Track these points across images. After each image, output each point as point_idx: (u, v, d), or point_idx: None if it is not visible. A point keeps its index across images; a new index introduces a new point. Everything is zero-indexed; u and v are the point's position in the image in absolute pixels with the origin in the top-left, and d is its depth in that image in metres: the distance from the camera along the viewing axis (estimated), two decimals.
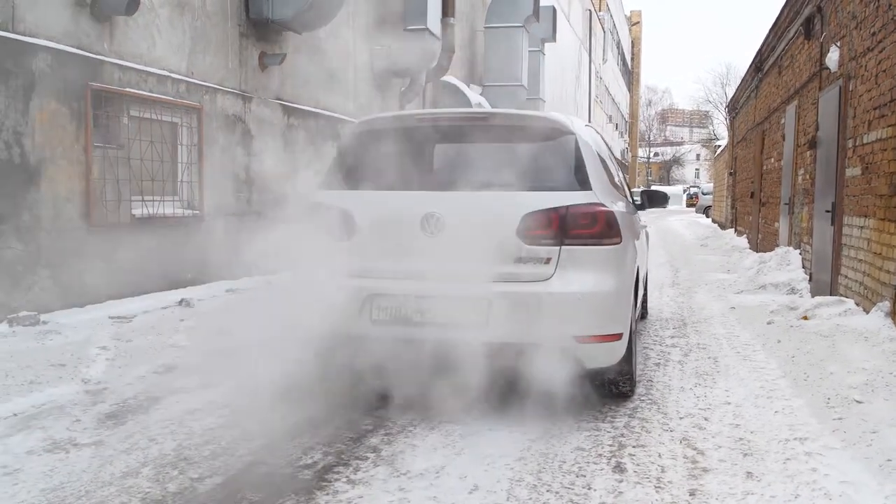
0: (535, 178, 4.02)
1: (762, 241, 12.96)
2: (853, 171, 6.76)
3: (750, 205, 14.86)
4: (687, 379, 4.74)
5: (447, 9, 14.15)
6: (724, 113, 74.61)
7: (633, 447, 3.51)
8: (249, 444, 3.53)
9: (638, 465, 3.30)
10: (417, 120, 4.29)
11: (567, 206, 3.88)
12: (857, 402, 4.00)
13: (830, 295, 7.06)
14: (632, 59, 68.18)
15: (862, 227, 6.44)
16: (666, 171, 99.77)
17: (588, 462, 3.33)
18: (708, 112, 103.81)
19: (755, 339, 5.88)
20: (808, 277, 8.48)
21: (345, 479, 3.14)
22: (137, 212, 7.11)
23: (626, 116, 67.20)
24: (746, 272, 9.77)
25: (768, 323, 6.38)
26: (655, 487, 3.05)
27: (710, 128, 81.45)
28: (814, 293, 7.79)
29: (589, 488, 3.05)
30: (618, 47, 56.27)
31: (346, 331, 3.98)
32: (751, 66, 14.78)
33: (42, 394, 4.21)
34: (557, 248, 3.84)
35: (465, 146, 4.24)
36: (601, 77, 46.81)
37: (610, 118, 53.53)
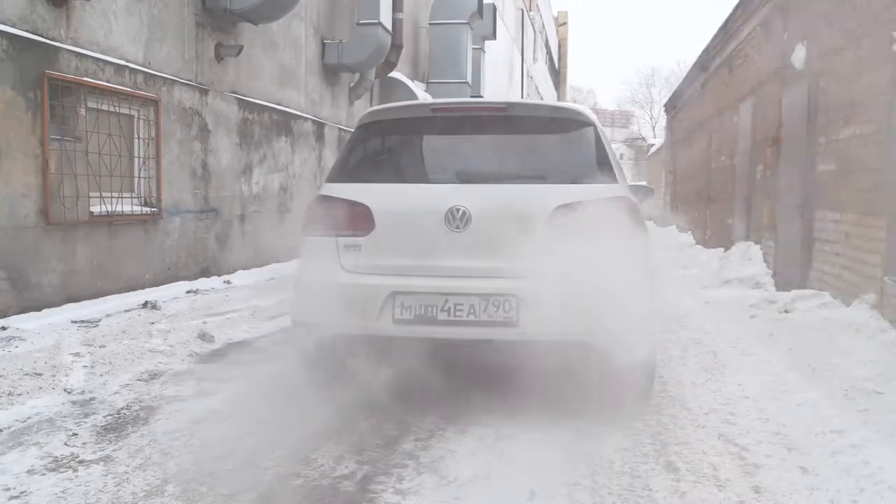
0: (562, 170, 3.89)
1: (710, 238, 13.21)
2: (827, 167, 6.89)
3: (695, 202, 15.14)
4: (696, 374, 4.70)
5: (396, 3, 13.94)
6: (650, 112, 76.72)
7: (676, 445, 3.42)
8: (272, 455, 3.28)
9: (688, 462, 3.20)
10: (432, 110, 4.09)
11: (598, 200, 3.76)
12: (878, 392, 4.01)
13: (799, 289, 7.17)
14: (559, 59, 69.02)
15: (838, 222, 6.56)
16: None
17: (637, 462, 3.22)
18: (631, 112, 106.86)
19: (745, 333, 5.90)
20: (771, 272, 8.63)
21: (392, 490, 2.93)
22: (96, 209, 6.69)
23: None
24: (706, 267, 9.91)
25: (751, 317, 6.43)
26: (716, 486, 2.95)
27: (633, 127, 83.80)
28: (779, 287, 7.91)
29: (649, 489, 2.93)
30: (546, 47, 56.88)
31: (366, 331, 3.76)
32: (695, 65, 15.06)
33: (25, 406, 3.85)
34: (588, 242, 3.71)
35: (485, 138, 4.07)
36: (532, 76, 47.20)
37: None
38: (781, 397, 4.14)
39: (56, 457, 3.22)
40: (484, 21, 20.32)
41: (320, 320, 3.86)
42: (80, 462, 3.17)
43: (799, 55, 7.76)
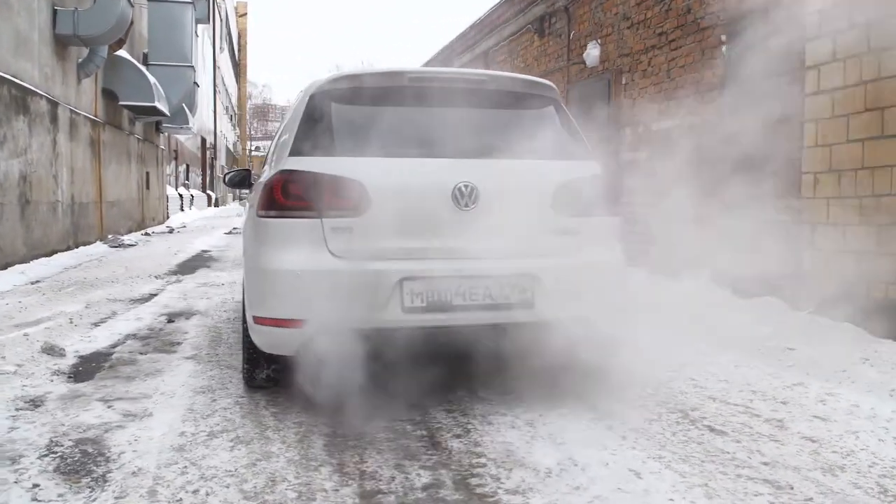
0: (550, 145, 3.79)
1: None
2: (639, 156, 7.58)
3: None
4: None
5: None
6: None
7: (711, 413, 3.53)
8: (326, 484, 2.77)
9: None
10: (409, 79, 3.72)
11: (592, 177, 3.73)
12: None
13: None
14: (239, 50, 67.17)
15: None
16: None
17: (699, 431, 3.26)
18: None
19: None
20: None
21: (503, 490, 2.64)
22: None
23: (236, 108, 66.15)
24: None
25: None
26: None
27: None
28: None
29: (730, 454, 2.99)
30: (229, 38, 54.97)
31: (369, 325, 3.32)
32: (438, 60, 15.61)
33: None
34: (585, 219, 3.68)
35: (470, 111, 3.79)
36: (219, 66, 45.32)
37: (227, 109, 52.29)
38: None
39: None
40: (200, 3, 19.07)
41: (308, 316, 3.33)
42: None
43: (593, 53, 8.44)
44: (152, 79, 14.51)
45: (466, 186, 3.44)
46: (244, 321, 3.74)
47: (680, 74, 6.82)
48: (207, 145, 38.01)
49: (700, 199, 6.55)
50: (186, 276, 9.00)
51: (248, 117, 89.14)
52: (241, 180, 5.69)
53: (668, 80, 6.98)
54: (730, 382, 4.03)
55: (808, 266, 5.37)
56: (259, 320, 3.48)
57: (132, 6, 11.72)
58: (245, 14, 66.84)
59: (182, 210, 25.59)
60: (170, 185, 23.68)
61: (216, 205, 40.04)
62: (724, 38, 6.22)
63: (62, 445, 3.05)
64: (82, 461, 2.88)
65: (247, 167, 7.11)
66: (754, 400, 3.72)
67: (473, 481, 2.72)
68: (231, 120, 56.28)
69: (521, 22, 10.69)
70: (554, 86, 4.06)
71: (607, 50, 8.27)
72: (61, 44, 10.97)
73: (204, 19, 20.49)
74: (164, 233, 17.31)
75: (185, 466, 2.81)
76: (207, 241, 14.99)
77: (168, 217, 21.61)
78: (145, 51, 17.10)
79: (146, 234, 16.27)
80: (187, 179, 30.05)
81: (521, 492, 2.63)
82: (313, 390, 3.34)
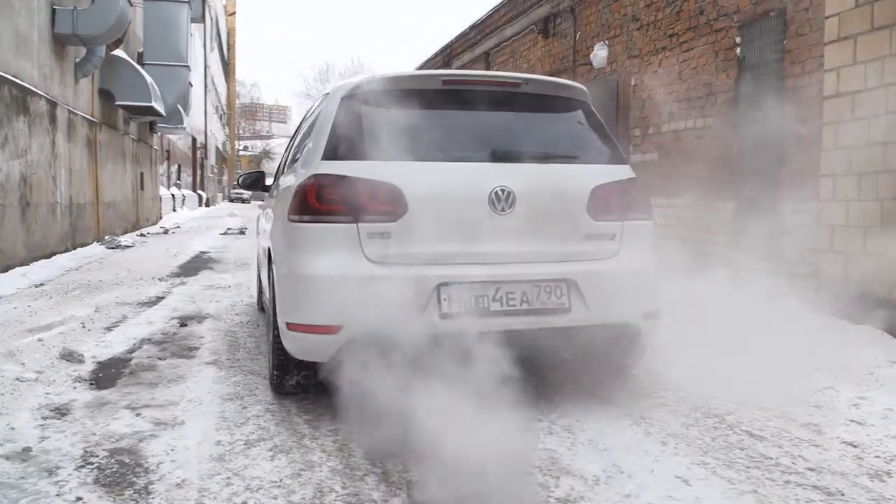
0: (585, 149, 3.78)
1: None
2: (649, 157, 7.57)
3: None
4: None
5: None
6: None
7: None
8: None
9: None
10: (443, 82, 3.68)
11: (627, 181, 3.72)
12: None
13: None
14: (228, 49, 66.84)
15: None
16: (256, 164, 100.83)
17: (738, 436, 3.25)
18: (288, 107, 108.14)
19: None
20: None
21: (553, 499, 2.61)
22: None
23: (225, 108, 65.86)
24: None
25: None
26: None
27: (293, 122, 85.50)
28: None
29: (774, 459, 2.98)
30: (218, 36, 54.70)
31: (406, 331, 3.27)
32: (437, 61, 15.56)
33: None
34: (621, 223, 3.66)
35: (505, 115, 3.77)
36: (208, 65, 45.10)
37: (216, 109, 52.06)
38: None
39: None
40: (195, 3, 18.94)
41: (344, 322, 3.29)
42: None
43: (600, 54, 8.40)
44: (149, 78, 14.40)
45: (503, 191, 3.41)
46: (274, 327, 3.69)
47: (692, 76, 6.82)
48: (198, 145, 37.84)
49: (711, 201, 6.55)
50: (190, 278, 8.93)
51: (236, 116, 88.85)
52: (255, 182, 5.67)
53: (679, 81, 6.98)
54: (758, 385, 4.01)
55: (826, 269, 5.37)
56: (293, 326, 3.44)
57: (131, 5, 11.63)
58: (234, 13, 66.53)
59: (174, 210, 25.46)
60: (162, 185, 23.54)
61: (207, 205, 39.88)
62: (738, 40, 6.22)
63: (97, 456, 3.00)
64: (121, 472, 2.83)
65: (260, 169, 7.04)
66: (787, 403, 3.70)
67: (522, 490, 2.69)
68: (220, 119, 56.06)
69: (525, 22, 10.67)
70: (585, 88, 4.03)
71: (615, 51, 8.26)
72: (60, 43, 10.87)
73: (199, 18, 20.37)
74: (158, 234, 17.18)
75: (229, 477, 2.77)
76: (204, 242, 14.89)
77: (161, 217, 21.48)
78: (140, 50, 16.98)
79: (141, 234, 16.15)
80: (179, 179, 29.89)
81: (572, 500, 2.61)
82: (347, 397, 3.30)
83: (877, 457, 3.03)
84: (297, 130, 5.41)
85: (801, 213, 5.71)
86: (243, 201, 56.31)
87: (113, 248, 12.61)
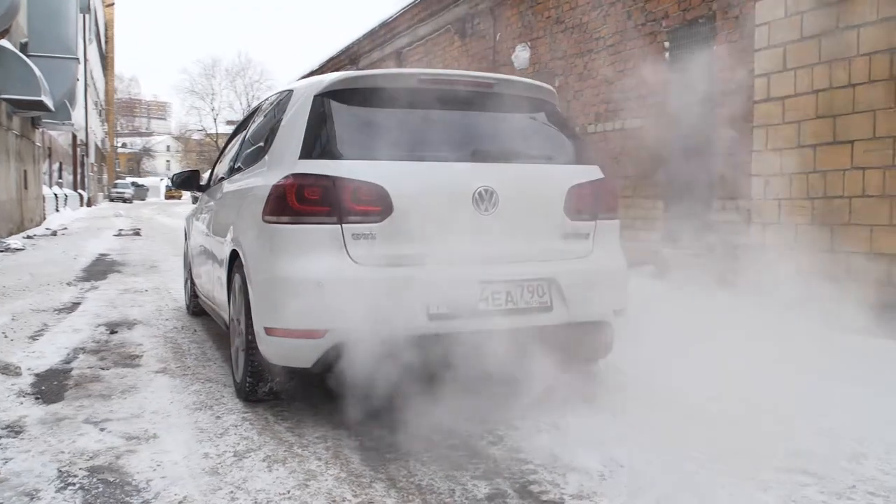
0: (558, 149, 3.83)
1: None
2: None
3: None
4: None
5: None
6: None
7: None
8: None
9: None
10: (419, 81, 3.64)
11: (600, 181, 3.79)
12: None
13: None
14: (106, 42, 63.63)
15: None
16: (136, 162, 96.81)
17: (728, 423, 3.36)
18: (168, 103, 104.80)
19: None
20: None
21: (567, 495, 2.64)
22: None
23: (104, 103, 62.72)
24: None
25: None
26: None
27: (174, 119, 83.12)
28: None
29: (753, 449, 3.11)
30: (97, 28, 52.03)
31: (396, 332, 3.22)
32: (340, 59, 15.37)
33: None
34: (594, 222, 3.74)
35: (481, 114, 3.75)
36: (88, 59, 42.82)
37: (95, 104, 49.51)
38: None
39: None
40: None
41: (329, 325, 3.21)
42: None
43: (522, 55, 8.55)
44: (38, 71, 13.54)
45: (486, 190, 3.42)
46: (248, 332, 3.55)
47: (619, 79, 7.02)
48: (78, 142, 35.90)
49: (641, 200, 6.78)
50: (100, 282, 8.48)
51: (115, 113, 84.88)
52: (188, 181, 5.44)
53: (606, 83, 7.18)
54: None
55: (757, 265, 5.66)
56: (272, 331, 3.33)
57: None
58: (112, 3, 63.47)
59: (57, 210, 24.05)
60: (45, 183, 22.19)
61: (89, 204, 37.89)
62: (667, 45, 6.46)
63: (76, 476, 2.79)
64: (111, 492, 2.65)
65: (194, 168, 6.77)
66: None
67: (534, 488, 2.70)
68: (100, 115, 53.38)
69: (440, 22, 10.70)
70: (553, 89, 4.08)
71: (538, 52, 8.40)
72: None
73: (85, 9, 19.33)
74: (46, 235, 16.18)
75: (232, 491, 2.64)
76: (99, 244, 14.20)
77: (45, 218, 20.24)
78: (24, 40, 15.93)
79: (29, 237, 15.17)
80: (60, 178, 28.27)
81: (586, 496, 2.64)
82: (334, 401, 3.22)
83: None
84: (240, 127, 5.23)
85: (729, 211, 5.99)
86: (125, 201, 54.08)
87: (2, 251, 11.79)
